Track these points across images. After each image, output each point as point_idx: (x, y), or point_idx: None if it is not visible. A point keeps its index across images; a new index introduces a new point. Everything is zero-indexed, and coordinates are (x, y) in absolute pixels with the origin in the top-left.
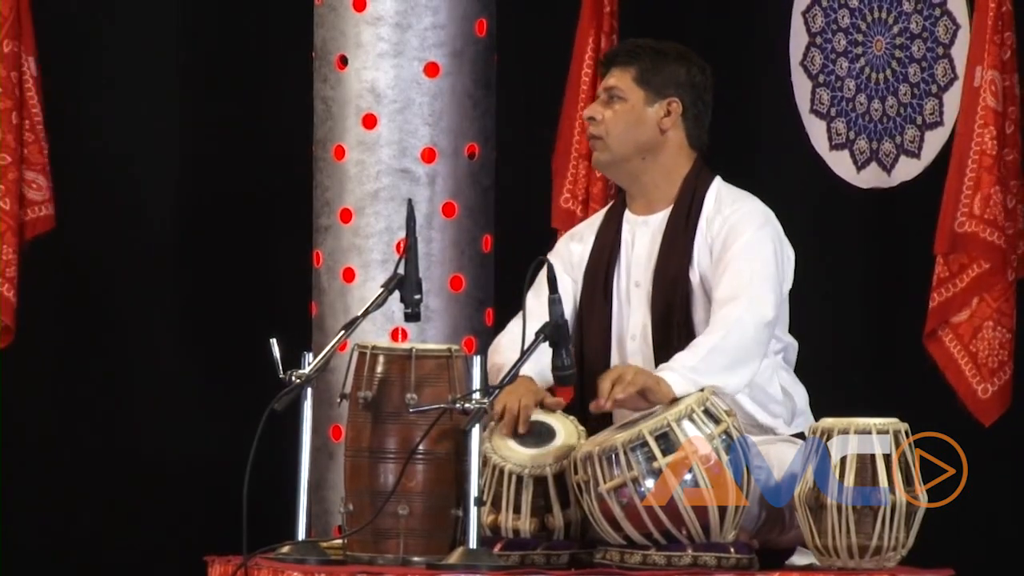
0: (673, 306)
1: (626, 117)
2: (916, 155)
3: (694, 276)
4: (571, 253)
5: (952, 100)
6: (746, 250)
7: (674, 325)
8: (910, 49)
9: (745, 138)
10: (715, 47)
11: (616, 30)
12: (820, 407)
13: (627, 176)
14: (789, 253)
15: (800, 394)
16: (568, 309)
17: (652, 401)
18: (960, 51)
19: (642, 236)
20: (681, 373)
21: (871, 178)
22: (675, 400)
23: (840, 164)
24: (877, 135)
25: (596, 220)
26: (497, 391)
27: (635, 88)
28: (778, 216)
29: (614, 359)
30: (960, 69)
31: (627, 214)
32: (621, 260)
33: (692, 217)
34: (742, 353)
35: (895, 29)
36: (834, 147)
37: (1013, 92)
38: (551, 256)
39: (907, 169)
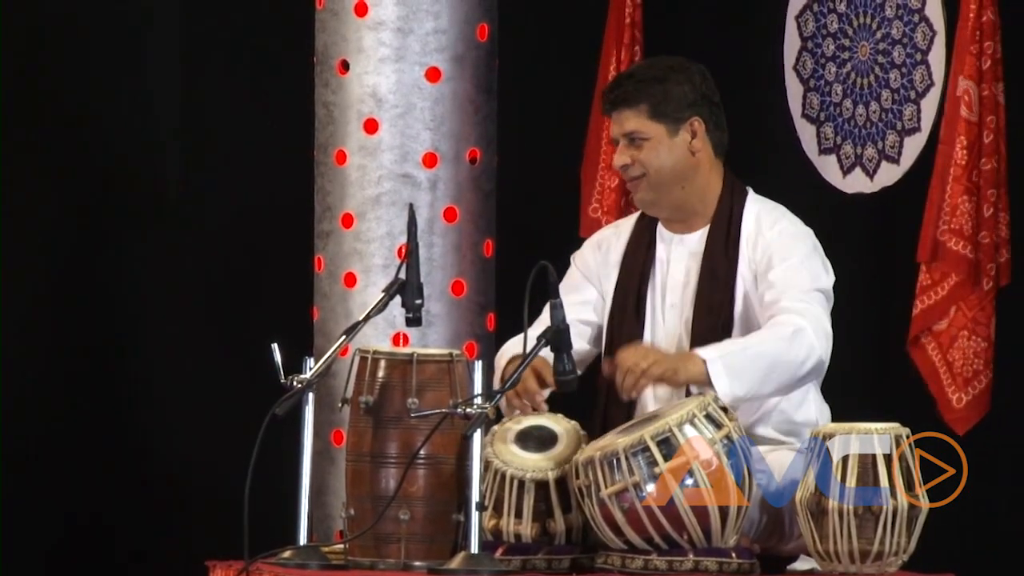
0: (716, 334)
1: (659, 152)
2: (896, 161)
3: (737, 305)
4: (596, 263)
5: (929, 106)
6: (791, 271)
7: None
8: (891, 55)
9: (738, 142)
10: (712, 50)
11: (640, 41)
12: None
13: (670, 208)
14: (831, 272)
15: (825, 415)
16: (587, 315)
17: (673, 385)
18: (936, 57)
19: (678, 257)
20: (726, 363)
21: (855, 183)
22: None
23: (828, 169)
24: (861, 140)
25: (624, 229)
26: (499, 395)
27: (653, 124)
28: None
29: None
30: (937, 75)
31: (660, 230)
32: (656, 279)
33: (732, 239)
34: (785, 372)
35: (878, 35)
36: (823, 151)
37: (992, 101)
38: (576, 260)
39: (888, 174)
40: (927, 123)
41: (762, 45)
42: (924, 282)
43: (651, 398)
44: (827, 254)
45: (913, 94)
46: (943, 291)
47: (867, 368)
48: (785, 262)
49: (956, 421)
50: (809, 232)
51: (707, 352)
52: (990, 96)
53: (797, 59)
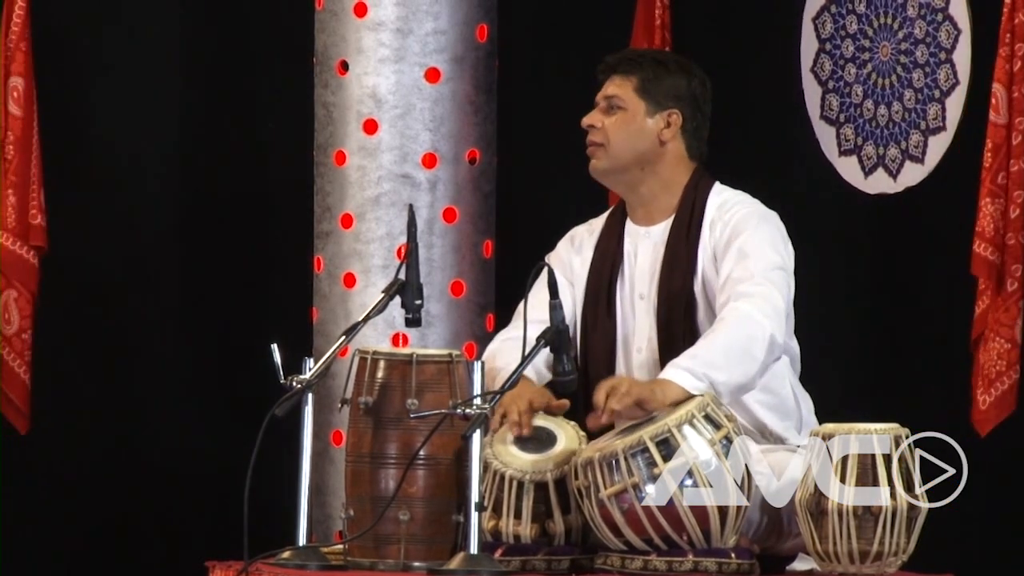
0: (677, 319)
1: (627, 126)
2: (920, 160)
3: (697, 287)
4: (570, 256)
5: (954, 105)
6: (750, 247)
7: (679, 337)
8: (914, 54)
9: (756, 144)
10: (724, 53)
11: (669, 43)
12: (820, 411)
13: (625, 185)
14: (791, 251)
15: (806, 404)
16: (565, 309)
17: (649, 410)
18: (962, 56)
19: (645, 248)
20: (690, 369)
21: (878, 184)
22: (678, 402)
23: (849, 170)
24: (883, 141)
25: (596, 226)
26: (499, 396)
27: (636, 98)
28: (787, 223)
29: (619, 372)
30: (962, 74)
31: (628, 225)
32: (624, 272)
33: (694, 226)
34: (750, 349)
35: (900, 35)
36: (843, 153)
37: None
38: (551, 256)
39: (912, 175)
40: (952, 122)
41: (778, 48)
42: (981, 285)
43: None
44: (845, 255)
45: (937, 93)
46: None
47: (888, 371)
48: (739, 237)
49: (979, 422)
50: (772, 214)
51: (667, 371)
52: (1020, 98)
53: (815, 61)
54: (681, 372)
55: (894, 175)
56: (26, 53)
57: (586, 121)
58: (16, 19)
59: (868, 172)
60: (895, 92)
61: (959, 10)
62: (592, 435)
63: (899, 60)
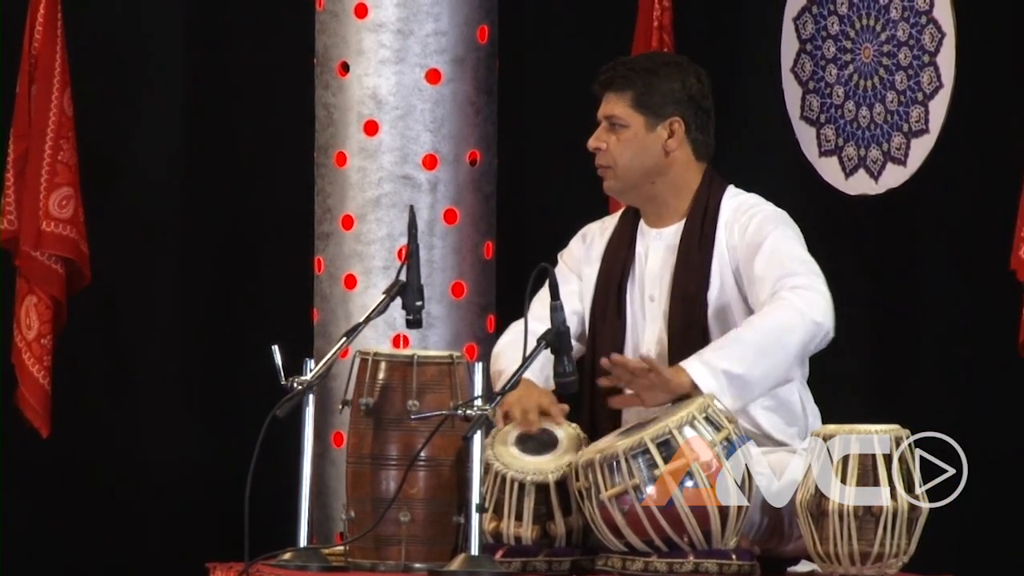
0: (691, 323)
1: (630, 145)
2: (903, 162)
3: (712, 290)
4: (581, 254)
5: (938, 108)
6: (783, 246)
7: (690, 340)
8: (897, 57)
9: (735, 144)
10: (706, 52)
11: (669, 45)
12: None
13: (640, 199)
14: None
15: (813, 412)
16: (575, 306)
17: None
18: (946, 59)
19: (656, 250)
20: (707, 362)
21: (859, 185)
22: (681, 398)
23: (829, 171)
24: (865, 142)
25: (608, 225)
26: (499, 398)
27: (634, 113)
28: None
29: None
30: (946, 77)
31: (641, 226)
32: (635, 273)
33: (707, 229)
34: (782, 340)
35: (882, 37)
36: (823, 153)
37: None
38: (563, 252)
39: (894, 176)
40: (936, 125)
41: (760, 47)
42: None
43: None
44: (824, 255)
45: (920, 96)
46: None
47: (874, 372)
48: (768, 238)
49: None
50: (788, 216)
51: (688, 360)
52: None
53: (795, 61)
54: (696, 364)
55: (875, 176)
56: (46, 60)
57: (591, 144)
58: (39, 28)
59: (849, 173)
60: (877, 94)
61: (943, 13)
62: (592, 436)
63: (881, 62)
